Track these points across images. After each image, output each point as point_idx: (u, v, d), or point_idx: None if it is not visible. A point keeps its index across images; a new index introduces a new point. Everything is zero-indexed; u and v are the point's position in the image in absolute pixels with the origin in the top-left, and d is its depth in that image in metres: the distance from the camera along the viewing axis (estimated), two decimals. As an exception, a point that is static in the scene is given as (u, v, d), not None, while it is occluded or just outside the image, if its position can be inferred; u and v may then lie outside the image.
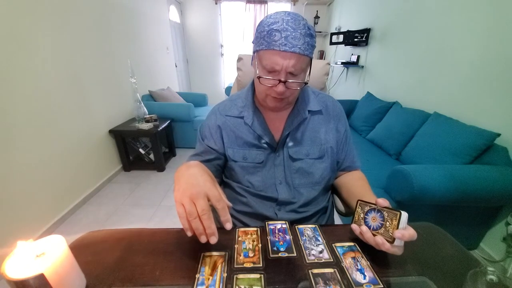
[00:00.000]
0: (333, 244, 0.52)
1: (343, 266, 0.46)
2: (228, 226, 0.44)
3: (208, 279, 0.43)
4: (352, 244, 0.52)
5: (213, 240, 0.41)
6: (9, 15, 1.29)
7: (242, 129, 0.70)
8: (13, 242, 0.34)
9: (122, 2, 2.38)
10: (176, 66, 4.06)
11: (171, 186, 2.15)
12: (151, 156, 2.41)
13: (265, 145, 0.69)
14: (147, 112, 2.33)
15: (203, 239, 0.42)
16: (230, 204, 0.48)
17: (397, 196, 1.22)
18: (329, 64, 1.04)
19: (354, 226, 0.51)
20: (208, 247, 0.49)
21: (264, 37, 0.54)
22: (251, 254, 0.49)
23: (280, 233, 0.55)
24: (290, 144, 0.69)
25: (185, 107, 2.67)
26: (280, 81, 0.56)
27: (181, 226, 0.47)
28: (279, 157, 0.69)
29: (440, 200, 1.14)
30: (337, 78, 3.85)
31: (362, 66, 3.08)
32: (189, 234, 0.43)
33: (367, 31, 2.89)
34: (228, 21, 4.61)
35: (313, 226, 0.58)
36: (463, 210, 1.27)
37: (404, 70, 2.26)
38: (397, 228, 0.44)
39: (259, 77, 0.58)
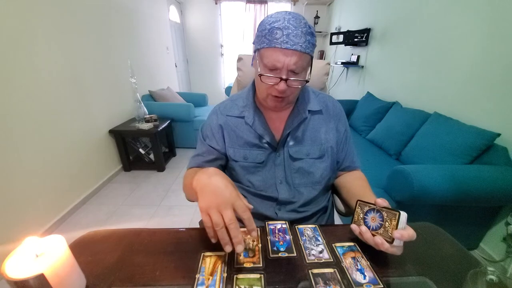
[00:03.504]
0: (333, 244, 0.52)
1: (343, 266, 0.46)
2: (254, 234, 0.45)
3: (208, 279, 0.43)
4: (352, 244, 0.52)
5: (240, 248, 0.42)
6: (9, 16, 1.29)
7: (242, 129, 0.70)
8: (13, 242, 0.35)
9: (122, 2, 2.38)
10: (176, 66, 4.06)
11: (171, 186, 2.15)
12: (151, 156, 2.41)
13: (265, 145, 0.69)
14: (147, 112, 2.33)
15: (228, 249, 0.42)
16: (251, 206, 0.48)
17: (397, 196, 1.22)
18: (329, 64, 1.04)
19: (353, 226, 0.51)
20: (208, 247, 0.49)
21: (266, 35, 0.54)
22: (251, 254, 0.49)
23: (280, 233, 0.55)
24: (291, 143, 0.69)
25: (185, 107, 2.67)
26: (281, 79, 0.56)
27: (180, 226, 0.47)
28: (279, 157, 0.69)
29: (440, 200, 1.14)
30: (337, 78, 3.85)
31: (362, 66, 3.08)
32: (213, 241, 0.44)
33: (367, 31, 2.88)
34: (228, 21, 4.61)
35: (313, 226, 0.58)
36: (463, 210, 1.27)
37: (404, 70, 2.26)
38: (396, 228, 0.44)
39: (260, 75, 0.58)
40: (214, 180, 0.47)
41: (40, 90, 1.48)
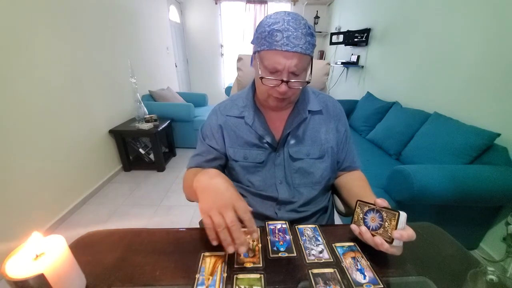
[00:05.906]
0: (333, 244, 0.52)
1: (343, 266, 0.46)
2: (255, 235, 0.46)
3: (208, 279, 0.43)
4: (352, 244, 0.52)
5: (242, 250, 0.42)
6: (9, 16, 1.29)
7: (242, 129, 0.70)
8: (14, 241, 0.35)
9: (122, 3, 2.38)
10: (176, 66, 4.06)
11: (171, 186, 2.15)
12: (151, 156, 2.41)
13: (265, 144, 0.69)
14: (147, 112, 2.33)
15: (230, 250, 0.42)
16: (251, 209, 0.48)
17: (397, 196, 1.22)
18: (329, 64, 1.04)
19: (353, 226, 0.51)
20: (208, 247, 0.49)
21: (265, 37, 0.54)
22: (251, 254, 0.49)
23: (280, 233, 0.55)
24: (291, 143, 0.69)
25: (185, 107, 2.67)
26: (282, 81, 0.56)
27: (180, 226, 0.47)
28: (279, 156, 0.69)
29: (440, 200, 1.14)
30: (337, 78, 3.85)
31: (362, 66, 3.08)
32: (214, 243, 0.44)
33: (367, 31, 2.88)
34: (228, 21, 4.61)
35: (313, 226, 0.58)
36: (463, 210, 1.27)
37: (404, 70, 2.26)
38: (396, 228, 0.44)
39: (261, 78, 0.58)
40: (215, 182, 0.48)
41: (40, 90, 1.48)
